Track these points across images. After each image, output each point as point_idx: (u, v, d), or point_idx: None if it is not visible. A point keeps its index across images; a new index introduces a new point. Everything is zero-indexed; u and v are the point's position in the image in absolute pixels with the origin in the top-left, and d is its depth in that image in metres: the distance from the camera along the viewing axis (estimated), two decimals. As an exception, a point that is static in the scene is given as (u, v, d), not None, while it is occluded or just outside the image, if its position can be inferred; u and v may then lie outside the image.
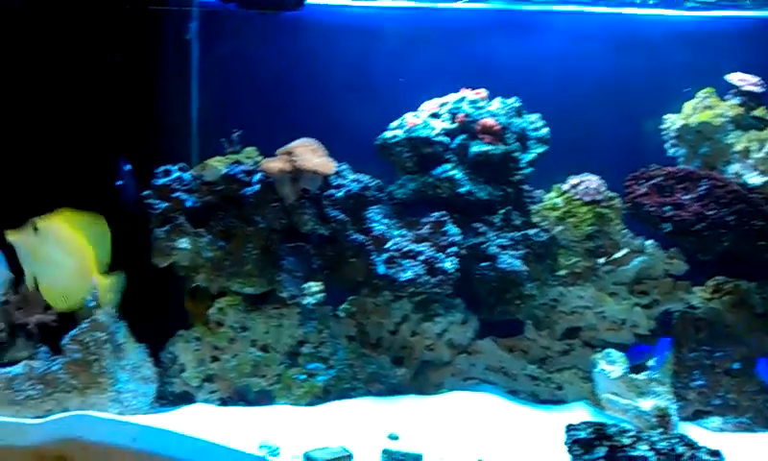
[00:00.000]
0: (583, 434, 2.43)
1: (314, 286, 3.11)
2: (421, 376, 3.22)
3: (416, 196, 3.24)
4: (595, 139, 3.42)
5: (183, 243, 3.01)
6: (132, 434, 2.48)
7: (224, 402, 3.05)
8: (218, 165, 3.10)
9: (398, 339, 3.19)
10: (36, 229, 2.34)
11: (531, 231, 3.15)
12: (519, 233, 3.17)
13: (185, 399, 3.05)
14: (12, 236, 2.35)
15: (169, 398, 3.05)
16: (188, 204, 3.08)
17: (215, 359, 3.06)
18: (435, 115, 3.29)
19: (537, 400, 3.20)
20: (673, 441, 2.36)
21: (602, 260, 3.18)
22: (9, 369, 2.78)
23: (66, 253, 2.37)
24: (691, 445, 2.35)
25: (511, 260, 3.08)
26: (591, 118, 3.43)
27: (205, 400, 3.05)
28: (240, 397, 3.06)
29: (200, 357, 3.05)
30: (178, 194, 3.07)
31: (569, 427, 2.46)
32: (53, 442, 2.49)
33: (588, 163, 3.25)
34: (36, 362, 2.80)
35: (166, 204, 3.05)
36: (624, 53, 3.52)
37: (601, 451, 2.38)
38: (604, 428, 2.41)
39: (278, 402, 3.04)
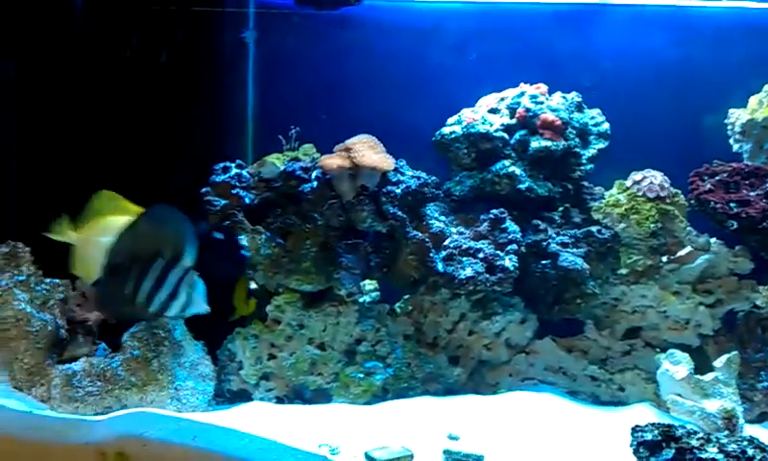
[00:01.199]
0: (649, 436, 2.36)
1: (369, 284, 3.09)
2: (478, 376, 3.18)
3: (473, 193, 3.20)
4: (656, 134, 3.34)
5: (242, 240, 3.00)
6: (192, 432, 2.48)
7: (280, 401, 3.04)
8: (276, 162, 3.08)
9: (455, 338, 3.15)
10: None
11: (593, 228, 3.09)
12: (581, 231, 3.10)
13: (243, 396, 3.04)
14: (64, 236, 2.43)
15: (226, 395, 3.04)
16: (246, 201, 3.07)
17: (272, 357, 3.05)
18: (493, 111, 3.24)
19: (597, 401, 3.14)
20: (743, 443, 2.29)
21: (665, 259, 3.11)
22: (68, 366, 2.79)
23: None
24: (762, 447, 2.27)
25: (573, 258, 3.02)
26: (652, 112, 3.35)
27: (262, 398, 3.04)
28: (297, 395, 3.04)
29: (257, 355, 3.04)
30: (236, 191, 3.06)
31: (635, 429, 2.40)
32: (114, 438, 2.49)
33: (649, 159, 3.19)
34: (96, 359, 2.81)
35: (225, 201, 3.04)
36: (686, 46, 3.43)
37: (668, 454, 2.32)
38: (671, 430, 2.34)
39: (336, 401, 3.02)
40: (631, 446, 2.38)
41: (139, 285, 2.35)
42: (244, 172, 3.13)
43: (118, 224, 2.36)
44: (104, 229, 2.41)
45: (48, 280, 2.90)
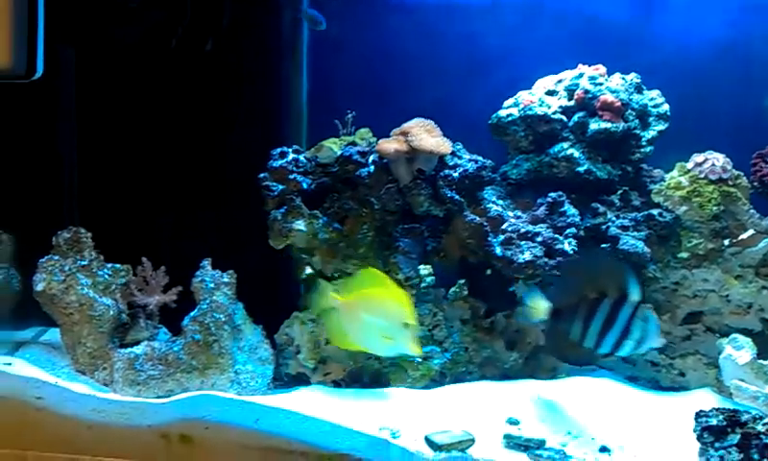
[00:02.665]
0: (714, 421, 2.33)
1: (424, 269, 3.08)
2: (533, 361, 3.15)
3: (530, 176, 3.18)
4: (718, 116, 3.29)
5: (300, 225, 3.00)
6: (254, 415, 2.50)
7: (337, 385, 3.05)
8: (333, 147, 3.08)
9: (512, 323, 3.13)
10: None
11: (654, 211, 3.04)
12: (641, 214, 3.06)
13: (300, 380, 3.05)
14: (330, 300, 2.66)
15: (284, 379, 3.05)
16: (304, 185, 3.07)
17: (329, 341, 3.06)
18: (551, 93, 3.20)
19: (657, 386, 3.10)
20: (810, 429, 2.26)
21: (727, 242, 3.06)
22: (131, 349, 2.82)
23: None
24: (827, 431, 2.24)
25: (634, 242, 2.98)
26: (713, 93, 3.29)
27: (320, 383, 3.04)
28: (354, 379, 3.04)
29: (315, 339, 3.04)
30: (294, 176, 3.07)
31: (699, 414, 2.37)
32: (177, 421, 2.53)
33: (710, 141, 3.13)
34: (157, 343, 2.84)
35: (282, 186, 3.05)
36: (749, 25, 3.35)
37: (734, 439, 2.29)
38: (737, 415, 2.31)
39: (393, 385, 3.01)
40: (695, 431, 2.34)
41: (587, 327, 2.40)
42: (301, 157, 3.13)
43: (380, 296, 2.60)
44: (366, 299, 2.62)
45: (110, 265, 2.94)
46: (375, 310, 2.59)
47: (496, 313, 3.11)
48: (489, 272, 3.03)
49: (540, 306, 2.57)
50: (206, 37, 3.31)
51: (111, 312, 2.85)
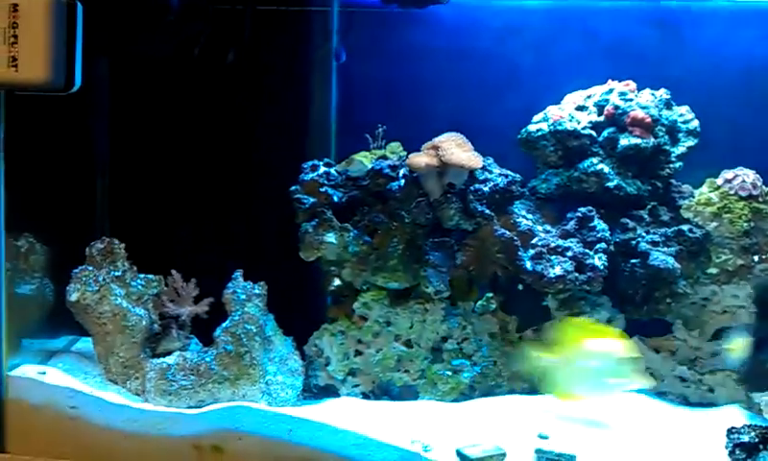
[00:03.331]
0: (746, 438, 2.34)
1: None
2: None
3: (560, 191, 3.18)
4: (747, 132, 3.28)
5: (330, 237, 3.02)
6: (287, 426, 2.52)
7: (366, 397, 3.06)
8: (363, 160, 3.11)
9: (541, 337, 3.13)
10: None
11: (685, 227, 3.04)
12: (672, 229, 3.06)
13: (330, 391, 3.07)
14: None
15: (313, 390, 3.06)
16: (335, 199, 3.10)
17: (359, 353, 3.07)
18: (581, 108, 3.21)
19: (686, 402, 3.09)
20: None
21: (757, 258, 3.05)
22: (163, 360, 2.84)
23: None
24: None
25: (664, 257, 2.98)
26: (743, 111, 3.28)
27: (349, 394, 3.06)
28: (384, 391, 3.06)
29: (344, 351, 3.06)
30: (325, 189, 3.09)
31: (731, 430, 2.37)
32: (210, 432, 2.56)
33: (739, 158, 3.14)
34: (189, 353, 2.86)
35: (313, 199, 3.07)
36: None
37: (766, 456, 2.29)
38: (769, 431, 2.32)
39: (423, 398, 3.03)
40: (726, 447, 2.35)
41: None
42: (332, 170, 3.16)
43: (592, 345, 2.79)
44: (580, 350, 2.81)
45: (143, 276, 2.96)
46: (588, 355, 2.79)
47: (526, 328, 3.12)
48: (520, 287, 3.05)
49: (736, 345, 2.60)
50: (239, 51, 3.34)
51: (144, 322, 2.88)
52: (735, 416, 2.91)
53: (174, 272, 3.01)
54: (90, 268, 2.89)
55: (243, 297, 2.85)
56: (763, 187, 3.06)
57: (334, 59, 3.42)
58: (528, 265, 2.96)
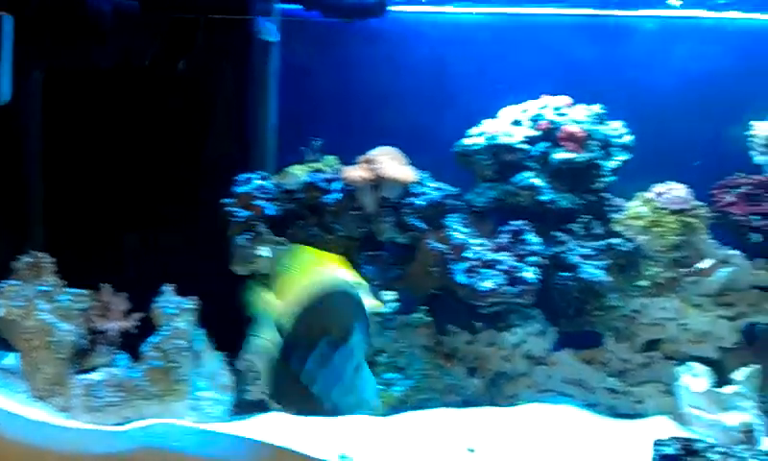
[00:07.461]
0: (671, 449, 2.36)
1: (388, 295, 3.09)
2: (495, 388, 3.17)
3: (495, 204, 3.20)
4: (678, 147, 3.33)
5: (264, 251, 3.01)
6: (213, 442, 2.49)
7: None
8: (299, 173, 3.10)
9: (473, 350, 3.14)
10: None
11: (615, 240, 3.08)
12: (603, 243, 3.10)
13: (259, 407, 3.04)
14: None
15: (243, 406, 3.04)
16: (269, 212, 3.08)
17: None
18: (516, 122, 3.23)
19: (615, 413, 3.12)
20: (763, 457, 2.28)
21: (686, 271, 3.10)
22: (89, 375, 2.80)
23: None
24: (783, 461, 2.27)
25: (594, 270, 3.01)
26: (674, 125, 3.34)
27: (280, 409, 3.03)
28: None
29: (275, 365, 3.04)
30: (259, 202, 3.07)
31: (657, 442, 2.39)
32: (134, 449, 2.51)
33: (670, 171, 3.18)
34: (117, 369, 2.82)
35: (248, 212, 3.05)
36: (709, 58, 3.42)
37: (689, 467, 2.31)
38: (692, 443, 2.34)
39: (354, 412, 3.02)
40: (653, 459, 2.37)
41: None
42: (267, 183, 3.14)
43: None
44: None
45: (70, 291, 2.91)
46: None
47: (458, 340, 3.12)
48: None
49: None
50: (178, 59, 3.31)
51: (71, 338, 2.82)
52: (664, 427, 2.95)
53: (103, 286, 2.97)
54: (17, 283, 2.84)
55: (172, 311, 2.82)
56: (693, 201, 3.11)
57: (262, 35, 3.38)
58: (460, 278, 2.97)
